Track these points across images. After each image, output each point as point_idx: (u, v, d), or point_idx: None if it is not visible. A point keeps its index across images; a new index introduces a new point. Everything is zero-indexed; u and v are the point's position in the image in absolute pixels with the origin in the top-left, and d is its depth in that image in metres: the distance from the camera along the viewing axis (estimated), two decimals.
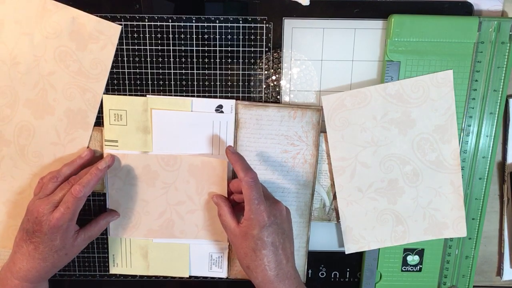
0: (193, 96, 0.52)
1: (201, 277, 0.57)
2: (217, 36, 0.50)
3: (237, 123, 0.52)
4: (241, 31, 0.50)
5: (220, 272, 0.57)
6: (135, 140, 0.52)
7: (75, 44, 0.50)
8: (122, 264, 0.57)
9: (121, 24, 0.50)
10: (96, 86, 0.51)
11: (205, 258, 0.56)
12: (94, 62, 0.50)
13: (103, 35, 0.50)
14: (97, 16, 0.49)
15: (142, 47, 0.51)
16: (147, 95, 0.52)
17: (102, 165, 0.50)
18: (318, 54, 0.51)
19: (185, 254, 0.56)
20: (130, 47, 0.50)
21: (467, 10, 0.50)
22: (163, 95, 0.52)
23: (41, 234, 0.47)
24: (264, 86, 0.52)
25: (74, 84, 0.51)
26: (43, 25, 0.49)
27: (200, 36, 0.50)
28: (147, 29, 0.50)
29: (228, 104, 0.52)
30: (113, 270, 0.57)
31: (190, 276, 0.57)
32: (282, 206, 0.49)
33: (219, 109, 0.52)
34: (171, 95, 0.52)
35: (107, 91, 0.51)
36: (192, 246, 0.56)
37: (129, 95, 0.52)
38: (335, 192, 0.53)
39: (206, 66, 0.51)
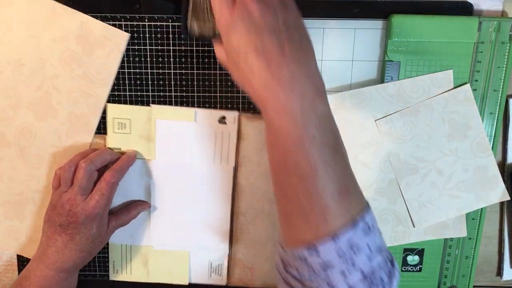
0: (193, 95, 0.52)
1: (200, 284, 0.57)
2: None
3: (240, 135, 0.52)
4: None
5: (220, 279, 0.56)
6: (138, 147, 0.52)
7: (81, 49, 0.50)
8: (122, 271, 0.56)
9: (121, 24, 0.50)
10: (100, 91, 0.51)
11: (204, 265, 0.56)
12: (100, 67, 0.50)
13: (110, 41, 0.50)
14: (96, 15, 0.49)
15: (142, 47, 0.50)
16: (151, 105, 0.51)
17: (132, 153, 0.50)
18: (318, 54, 0.51)
19: (185, 261, 0.56)
20: (130, 47, 0.50)
21: (467, 10, 0.50)
22: (163, 94, 0.52)
23: (77, 224, 0.46)
24: None
25: (78, 88, 0.51)
26: (51, 29, 0.49)
27: None
28: (147, 29, 0.50)
29: (231, 116, 0.52)
30: (113, 277, 0.56)
31: (190, 284, 0.56)
32: None
33: (222, 120, 0.52)
34: (171, 95, 0.52)
35: None
36: (192, 253, 0.55)
37: (129, 94, 0.52)
38: None
39: (207, 66, 0.51)
